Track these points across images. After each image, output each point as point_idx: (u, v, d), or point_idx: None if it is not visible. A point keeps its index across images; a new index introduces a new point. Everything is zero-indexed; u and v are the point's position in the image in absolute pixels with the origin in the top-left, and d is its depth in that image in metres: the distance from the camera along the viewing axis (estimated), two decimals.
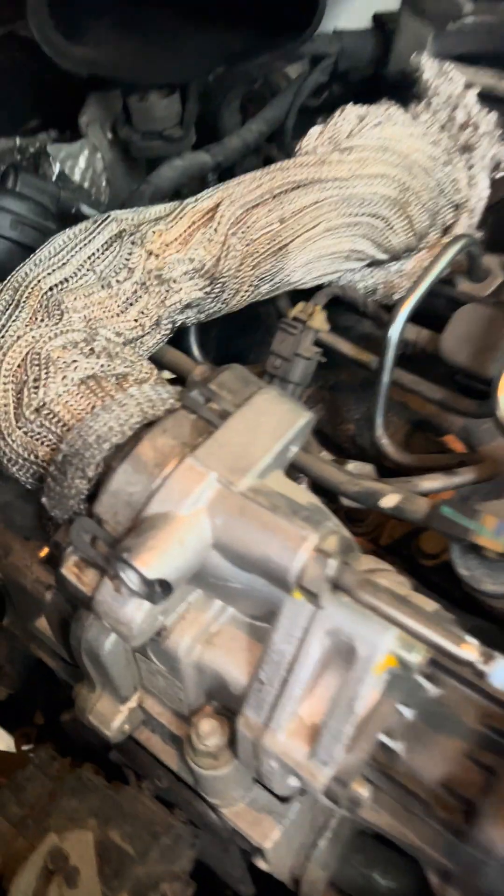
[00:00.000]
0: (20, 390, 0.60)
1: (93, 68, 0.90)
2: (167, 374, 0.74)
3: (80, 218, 0.86)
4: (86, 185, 0.94)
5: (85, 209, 0.86)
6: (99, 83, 0.99)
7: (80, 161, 0.95)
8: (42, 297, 0.65)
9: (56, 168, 0.91)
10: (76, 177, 0.93)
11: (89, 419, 0.55)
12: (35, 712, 0.91)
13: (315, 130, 0.80)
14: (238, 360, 0.60)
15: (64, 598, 0.63)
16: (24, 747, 0.89)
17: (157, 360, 0.72)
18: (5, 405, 0.59)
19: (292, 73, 1.10)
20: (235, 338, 0.94)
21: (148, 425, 0.54)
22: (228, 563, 0.50)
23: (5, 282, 0.66)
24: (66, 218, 0.83)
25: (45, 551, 0.71)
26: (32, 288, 0.65)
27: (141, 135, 0.95)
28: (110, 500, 0.52)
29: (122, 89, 0.95)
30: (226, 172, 0.94)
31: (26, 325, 0.62)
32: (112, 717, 0.62)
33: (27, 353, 0.61)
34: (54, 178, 0.91)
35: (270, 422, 0.53)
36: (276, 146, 1.00)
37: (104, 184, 0.98)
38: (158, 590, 0.47)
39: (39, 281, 0.65)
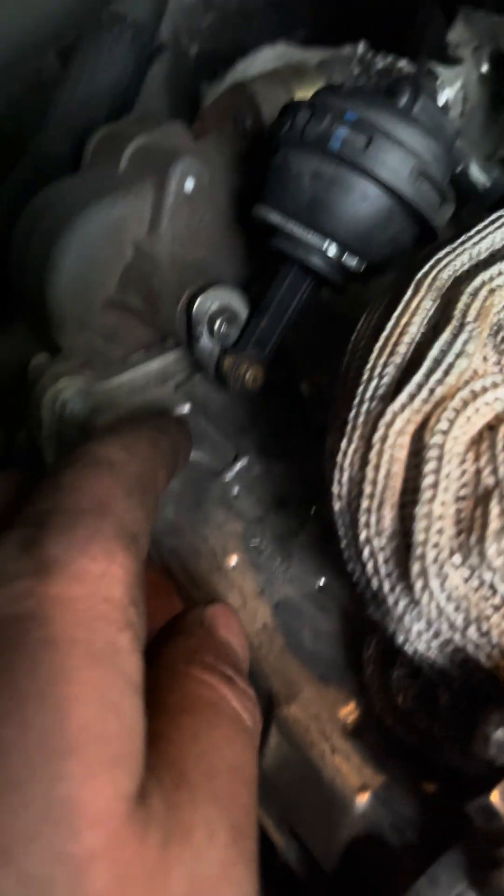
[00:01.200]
0: (472, 493, 0.32)
1: None
2: None
3: (462, 183, 0.57)
4: None
5: (475, 171, 0.57)
6: None
7: (448, 94, 0.65)
8: (492, 317, 0.36)
9: (443, 97, 0.61)
10: None
11: None
12: None
13: None
14: None
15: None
16: None
17: None
18: (440, 519, 0.31)
19: None
20: None
21: None
22: None
23: (420, 277, 0.38)
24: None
25: (351, 710, 0.43)
26: (481, 302, 0.36)
27: None
28: None
29: None
30: None
31: (481, 364, 0.34)
32: None
33: (486, 422, 0.33)
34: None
35: None
36: None
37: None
38: None
39: (493, 291, 0.37)
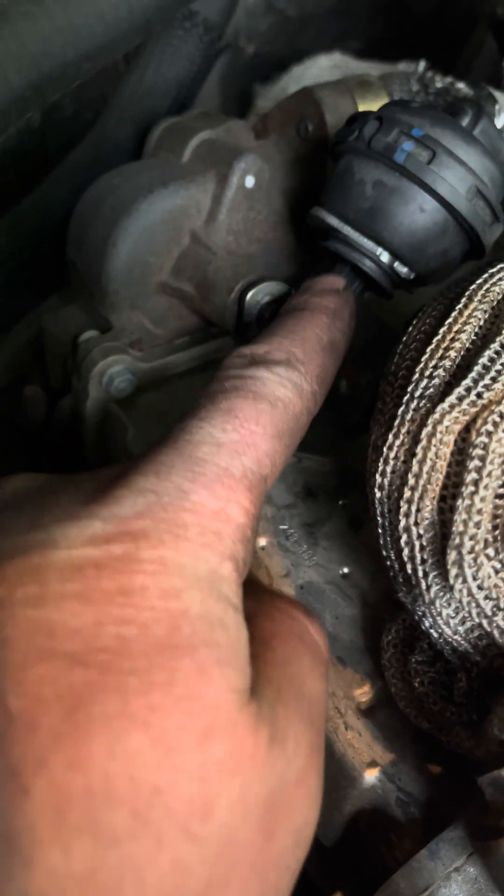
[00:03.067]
0: None
1: None
2: None
3: None
4: None
5: None
6: None
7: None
8: None
9: (500, 121, 0.64)
10: None
11: None
12: None
13: None
14: None
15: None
16: None
17: None
18: (479, 513, 0.34)
19: None
20: None
21: None
22: None
23: (474, 288, 0.41)
24: None
25: (365, 691, 0.46)
26: None
27: None
28: None
29: None
30: None
31: None
32: None
33: None
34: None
35: None
36: None
37: None
38: None
39: None
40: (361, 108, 0.62)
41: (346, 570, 0.51)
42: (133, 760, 0.22)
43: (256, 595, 0.33)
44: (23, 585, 0.25)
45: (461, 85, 0.69)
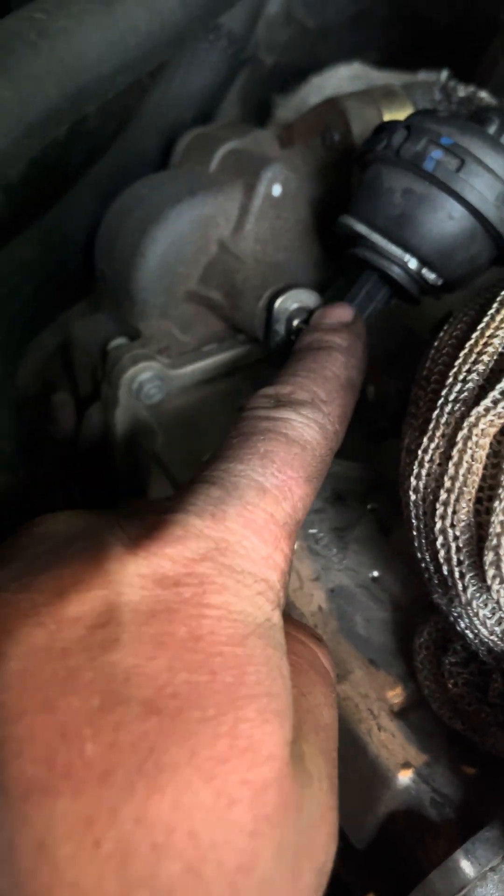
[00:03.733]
0: None
1: None
2: None
3: None
4: None
5: None
6: None
7: None
8: None
9: None
10: None
11: None
12: None
13: None
14: None
15: None
16: None
17: None
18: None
19: None
20: None
21: None
22: None
23: None
24: None
25: (398, 693, 0.46)
26: None
27: None
28: None
29: None
30: None
31: None
32: None
33: None
34: None
35: None
36: None
37: None
38: None
39: None
40: (387, 117, 0.62)
41: (376, 573, 0.51)
42: (195, 816, 0.23)
43: None
44: (101, 627, 0.25)
45: (484, 94, 0.70)
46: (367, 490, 0.56)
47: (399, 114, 0.63)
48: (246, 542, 0.30)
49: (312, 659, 0.33)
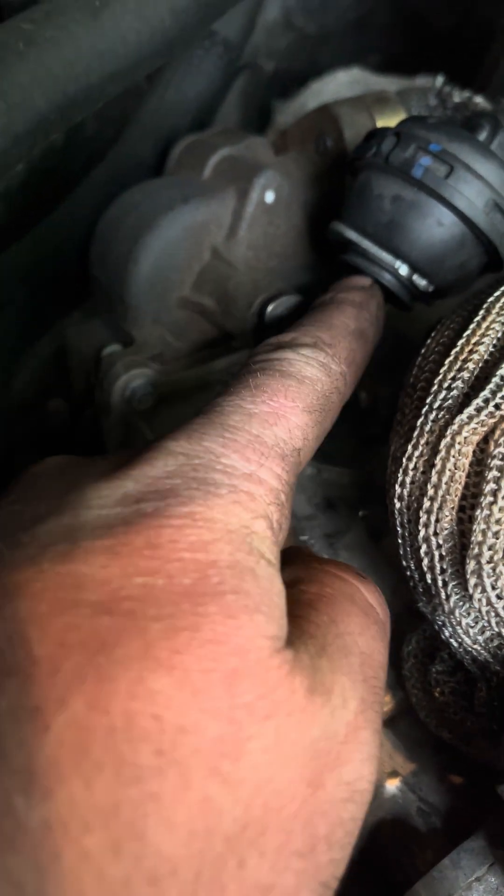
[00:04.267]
0: None
1: None
2: None
3: None
4: None
5: None
6: None
7: None
8: None
9: None
10: None
11: None
12: None
13: None
14: None
15: None
16: None
17: None
18: (498, 523, 0.34)
19: None
20: None
21: None
22: None
23: (492, 301, 0.41)
24: None
25: (386, 701, 0.46)
26: None
27: None
28: None
29: None
30: None
31: None
32: None
33: None
34: None
35: None
36: None
37: None
38: None
39: None
40: (379, 123, 0.62)
41: None
42: (156, 701, 0.22)
43: (305, 562, 0.32)
44: (53, 544, 0.25)
45: (479, 99, 0.70)
46: (359, 497, 0.56)
47: (391, 120, 0.63)
48: (224, 459, 0.29)
49: (351, 592, 0.31)
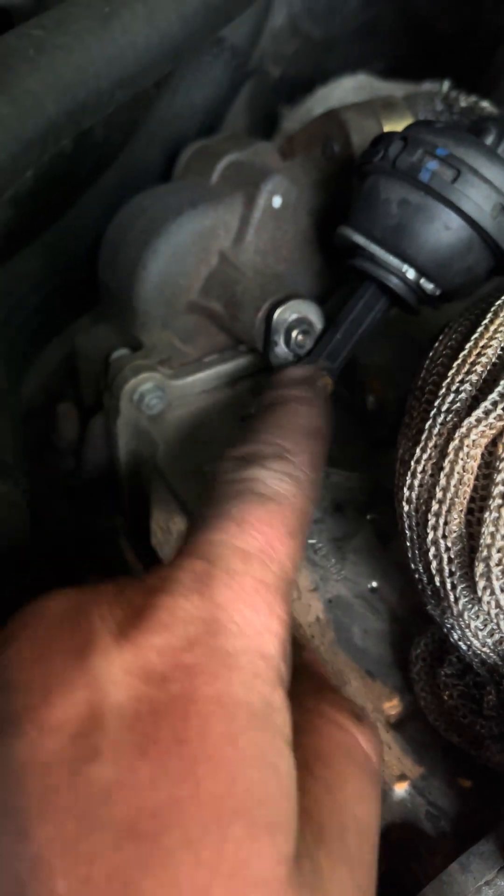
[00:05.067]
0: None
1: None
2: None
3: None
4: None
5: None
6: None
7: None
8: None
9: None
10: None
11: None
12: None
13: None
14: None
15: None
16: None
17: None
18: None
19: None
20: None
21: None
22: None
23: (500, 304, 0.41)
24: None
25: (394, 704, 0.46)
26: None
27: None
28: None
29: None
30: None
31: None
32: None
33: None
34: None
35: None
36: None
37: None
38: None
39: None
40: (387, 128, 0.63)
41: (374, 584, 0.51)
42: None
43: (301, 701, 0.31)
44: (84, 736, 0.24)
45: (485, 103, 0.70)
46: (367, 500, 0.56)
47: (398, 125, 0.63)
48: (237, 616, 0.28)
49: (350, 746, 0.31)
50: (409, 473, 0.39)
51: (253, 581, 0.29)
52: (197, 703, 0.25)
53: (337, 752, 0.30)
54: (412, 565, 0.39)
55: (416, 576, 0.39)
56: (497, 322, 0.41)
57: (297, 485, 0.35)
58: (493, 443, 0.36)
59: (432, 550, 0.37)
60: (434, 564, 0.37)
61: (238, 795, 0.24)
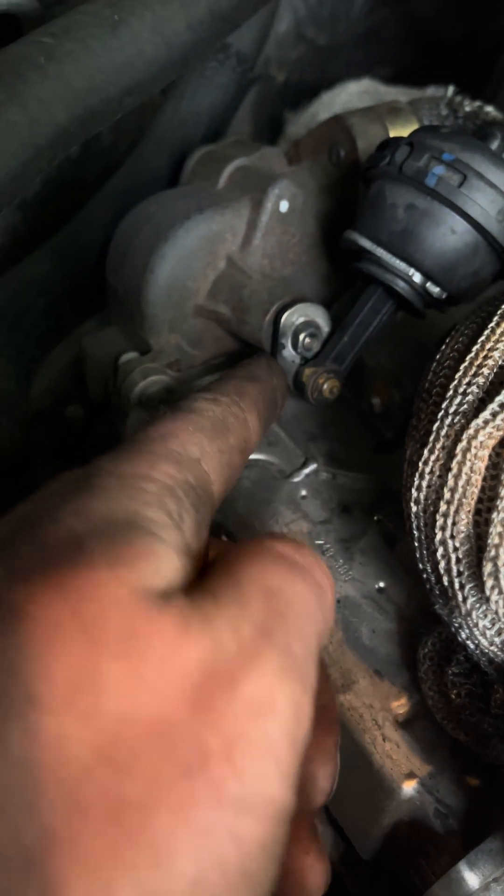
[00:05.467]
0: None
1: None
2: None
3: None
4: None
5: None
6: None
7: None
8: None
9: None
10: None
11: None
12: None
13: None
14: None
15: None
16: None
17: None
18: None
19: None
20: None
21: None
22: None
23: None
24: None
25: (402, 703, 0.46)
26: None
27: None
28: None
29: None
30: None
31: None
32: None
33: None
34: None
35: None
36: None
37: None
38: None
39: None
40: (392, 133, 0.63)
41: (382, 584, 0.52)
42: None
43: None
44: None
45: (490, 109, 0.70)
46: (374, 501, 0.57)
47: (404, 130, 0.63)
48: (119, 469, 0.30)
49: (268, 546, 0.29)
50: (417, 474, 0.39)
51: (145, 455, 0.32)
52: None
53: (251, 552, 0.29)
54: (420, 565, 0.40)
55: (424, 576, 0.40)
56: (503, 325, 0.41)
57: (215, 402, 0.38)
58: (501, 444, 0.37)
59: (440, 550, 0.37)
60: (442, 564, 0.38)
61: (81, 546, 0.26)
